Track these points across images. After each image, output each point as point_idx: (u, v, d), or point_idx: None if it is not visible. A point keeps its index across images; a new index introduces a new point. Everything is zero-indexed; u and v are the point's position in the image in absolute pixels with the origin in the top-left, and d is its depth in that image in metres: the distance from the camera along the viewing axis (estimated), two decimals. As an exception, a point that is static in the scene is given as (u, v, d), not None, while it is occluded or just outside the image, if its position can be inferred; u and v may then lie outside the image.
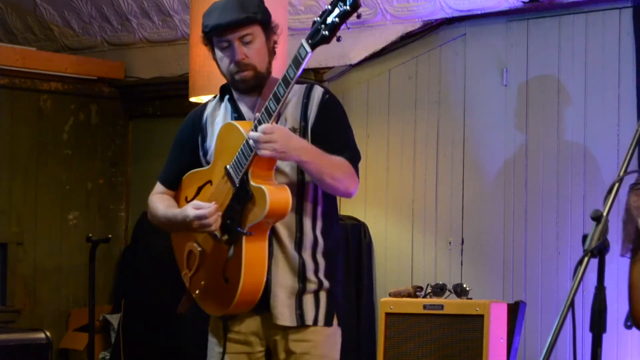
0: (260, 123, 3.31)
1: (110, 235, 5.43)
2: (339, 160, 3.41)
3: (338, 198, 3.63)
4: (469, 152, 5.72)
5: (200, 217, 3.40)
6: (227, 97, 3.60)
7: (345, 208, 6.03)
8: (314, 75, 6.13)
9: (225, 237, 3.42)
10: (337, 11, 3.15)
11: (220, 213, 3.42)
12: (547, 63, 5.49)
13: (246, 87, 3.50)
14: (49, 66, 6.85)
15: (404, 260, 5.88)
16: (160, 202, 3.66)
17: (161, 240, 6.14)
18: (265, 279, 3.41)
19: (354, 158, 3.47)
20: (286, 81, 3.26)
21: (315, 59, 6.08)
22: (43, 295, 6.86)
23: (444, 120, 5.82)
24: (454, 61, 5.79)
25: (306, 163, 3.35)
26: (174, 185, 3.69)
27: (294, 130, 3.44)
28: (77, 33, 7.25)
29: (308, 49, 3.20)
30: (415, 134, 5.90)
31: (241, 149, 3.35)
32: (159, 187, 3.73)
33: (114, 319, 6.61)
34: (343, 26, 3.17)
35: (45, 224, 6.87)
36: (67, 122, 7.00)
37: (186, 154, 3.65)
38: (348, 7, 3.13)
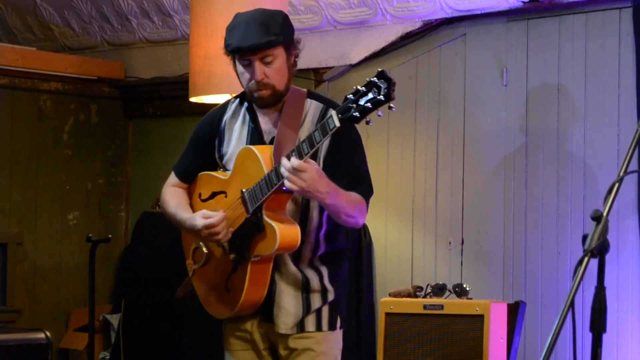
0: (295, 154, 3.36)
1: (110, 235, 5.44)
2: (355, 199, 3.50)
3: None
4: (469, 152, 5.72)
5: (208, 227, 3.50)
6: (246, 104, 3.65)
7: (345, 208, 6.03)
8: (314, 75, 6.14)
9: (233, 255, 3.52)
10: (370, 96, 3.20)
11: (230, 229, 3.51)
12: (547, 63, 5.49)
13: (264, 104, 3.57)
14: (49, 66, 6.85)
15: (404, 260, 5.88)
16: (172, 197, 3.76)
17: (161, 240, 6.16)
18: (265, 294, 3.52)
19: (367, 193, 3.56)
20: (310, 143, 3.30)
21: (315, 58, 6.12)
22: (43, 295, 6.86)
23: (444, 120, 5.82)
24: (454, 61, 5.79)
25: (327, 205, 3.43)
26: (187, 179, 3.78)
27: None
28: (77, 33, 7.25)
29: (337, 123, 3.23)
30: (415, 134, 5.90)
31: (260, 182, 3.42)
32: (173, 178, 3.83)
33: (114, 319, 6.61)
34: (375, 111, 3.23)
35: (45, 224, 6.87)
36: (67, 122, 7.00)
37: (202, 152, 3.74)
38: (382, 97, 3.20)
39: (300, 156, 3.32)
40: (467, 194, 5.72)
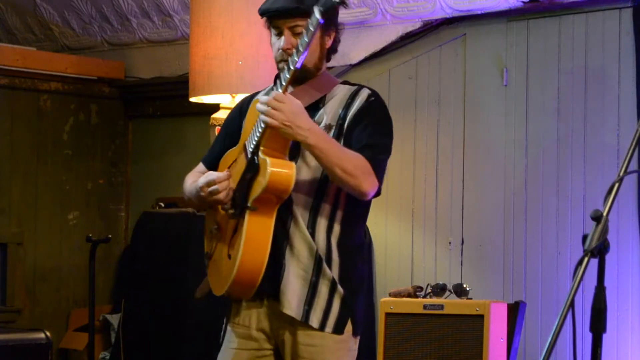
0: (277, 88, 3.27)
1: (110, 235, 5.44)
2: (353, 155, 3.29)
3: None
4: (469, 152, 5.72)
5: (209, 183, 3.34)
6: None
7: (345, 208, 6.03)
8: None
9: (232, 210, 3.34)
10: None
11: (232, 186, 3.34)
12: (547, 63, 5.49)
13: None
14: (49, 66, 6.85)
15: (404, 260, 5.88)
16: (190, 178, 3.59)
17: (161, 240, 6.16)
18: (266, 258, 3.28)
19: (375, 156, 3.32)
20: (297, 49, 3.19)
21: (315, 59, 6.12)
22: (43, 295, 6.86)
23: (444, 120, 5.82)
24: (454, 61, 5.79)
25: (312, 147, 3.24)
26: (213, 166, 3.59)
27: (329, 127, 3.36)
28: (77, 33, 7.25)
29: (319, 15, 3.11)
30: (415, 134, 5.90)
31: (257, 122, 3.29)
32: (199, 166, 3.67)
33: (114, 319, 6.61)
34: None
35: (45, 224, 6.87)
36: (67, 122, 7.00)
37: (229, 137, 3.57)
38: None
39: (288, 66, 3.20)
40: (467, 194, 5.72)
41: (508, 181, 5.59)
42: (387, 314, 4.91)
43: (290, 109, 3.19)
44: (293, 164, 3.27)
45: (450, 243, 5.75)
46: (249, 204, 3.27)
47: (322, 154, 3.24)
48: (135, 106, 7.20)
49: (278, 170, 3.23)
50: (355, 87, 3.45)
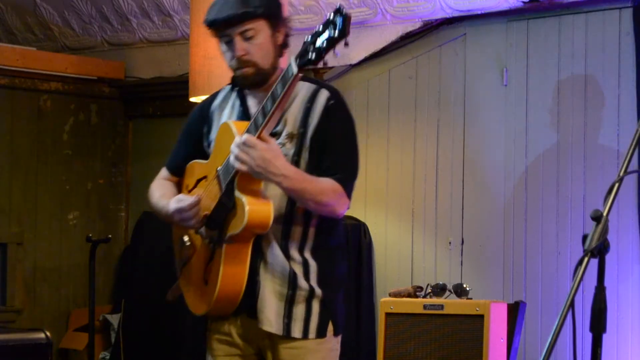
0: (251, 129, 3.19)
1: (110, 235, 5.43)
2: (325, 185, 3.25)
3: None
4: (469, 152, 5.72)
5: (180, 210, 3.32)
6: (237, 89, 3.47)
7: (345, 208, 6.03)
8: (314, 75, 6.13)
9: (207, 240, 3.33)
10: (326, 34, 3.01)
11: (205, 212, 3.31)
12: (547, 63, 5.49)
13: (248, 83, 3.37)
14: (49, 66, 6.85)
15: (404, 260, 5.88)
16: (157, 189, 3.57)
17: (161, 240, 6.15)
18: (243, 287, 3.28)
19: (346, 179, 3.30)
20: (274, 97, 3.13)
21: (315, 59, 6.12)
22: (43, 295, 6.86)
23: (444, 120, 5.82)
24: (454, 61, 5.79)
25: (287, 190, 3.22)
26: (178, 172, 3.59)
27: (291, 135, 3.31)
28: (77, 33, 7.25)
29: (295, 69, 3.06)
30: (415, 134, 5.90)
31: (230, 157, 3.23)
32: (163, 172, 3.64)
33: (114, 319, 6.61)
34: (332, 51, 3.06)
35: (45, 224, 6.87)
36: (67, 122, 7.00)
37: (192, 142, 3.54)
38: (336, 34, 2.99)
39: (263, 115, 3.13)
40: (467, 194, 5.72)
41: (508, 181, 5.59)
42: (387, 314, 4.90)
43: (262, 155, 3.13)
44: (270, 201, 3.23)
45: (450, 243, 5.75)
46: (225, 239, 3.25)
47: (296, 194, 3.23)
48: (135, 106, 7.20)
49: (256, 211, 3.20)
50: (314, 87, 3.38)
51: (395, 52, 5.98)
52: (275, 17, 3.33)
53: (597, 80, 5.35)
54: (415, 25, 5.85)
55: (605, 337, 2.38)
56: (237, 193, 3.22)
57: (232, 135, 3.25)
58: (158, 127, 7.07)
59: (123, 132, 7.24)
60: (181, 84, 6.14)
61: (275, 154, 3.17)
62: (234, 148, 3.16)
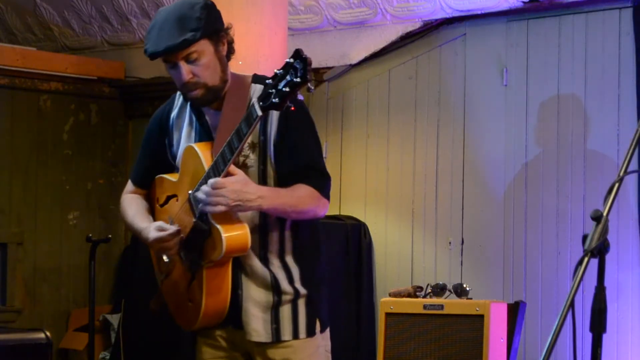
0: (215, 170, 3.15)
1: (110, 235, 5.43)
2: (302, 193, 3.23)
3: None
4: (469, 152, 5.72)
5: (160, 240, 3.30)
6: (189, 102, 3.40)
7: (345, 208, 6.03)
8: (314, 75, 6.13)
9: (187, 264, 3.31)
10: (287, 79, 2.95)
11: (182, 237, 3.29)
12: (547, 63, 5.49)
13: (201, 103, 3.30)
14: (49, 66, 6.85)
15: (404, 260, 5.88)
16: (129, 206, 3.53)
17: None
18: (228, 301, 3.27)
19: (320, 181, 3.27)
20: (239, 136, 3.09)
21: (315, 59, 6.10)
22: (43, 295, 6.86)
23: (444, 120, 5.82)
24: (454, 61, 5.79)
25: (267, 211, 3.21)
26: (144, 185, 3.55)
27: (253, 145, 3.27)
28: (77, 33, 7.25)
29: (259, 112, 3.01)
30: (415, 134, 5.90)
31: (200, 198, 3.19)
32: (129, 185, 3.59)
33: (114, 319, 6.61)
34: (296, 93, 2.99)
35: (45, 224, 6.87)
36: (67, 122, 7.00)
37: (154, 154, 3.49)
38: (298, 79, 2.92)
39: (230, 151, 3.09)
40: (467, 194, 5.72)
41: (508, 181, 5.59)
42: (387, 314, 4.91)
43: (233, 189, 3.11)
44: (245, 225, 3.20)
45: (450, 243, 5.75)
46: (203, 263, 3.24)
47: (277, 211, 3.22)
48: (135, 106, 7.20)
49: (233, 237, 3.17)
50: None
51: (395, 52, 5.98)
52: (215, 33, 3.25)
53: (597, 80, 5.35)
54: (415, 25, 5.85)
55: (605, 337, 2.38)
56: (212, 221, 3.19)
57: (199, 161, 3.23)
58: (158, 127, 7.07)
59: (123, 132, 7.24)
60: (181, 84, 6.14)
61: (245, 182, 3.15)
62: (202, 197, 3.12)
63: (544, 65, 5.50)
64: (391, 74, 6.01)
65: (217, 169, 3.16)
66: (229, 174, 3.15)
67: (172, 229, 3.29)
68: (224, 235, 3.15)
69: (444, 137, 5.81)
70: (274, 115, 3.26)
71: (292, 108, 3.03)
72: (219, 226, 3.16)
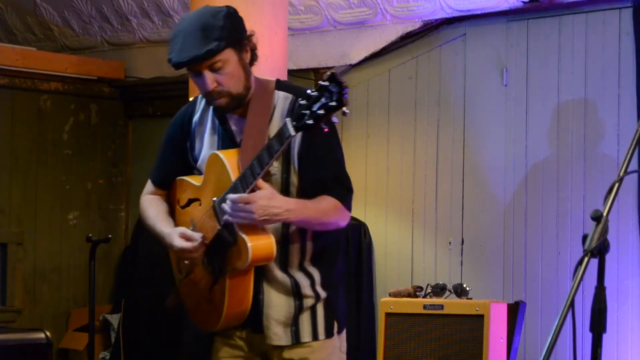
0: (243, 184, 3.16)
1: (110, 235, 5.43)
2: (327, 205, 3.27)
3: None
4: (469, 152, 5.72)
5: (184, 251, 3.32)
6: (212, 107, 3.41)
7: (345, 208, 6.03)
8: (314, 75, 6.13)
9: (210, 268, 3.33)
10: (323, 101, 2.97)
11: (205, 244, 3.30)
12: (547, 63, 5.49)
13: (225, 111, 3.32)
14: (49, 66, 6.85)
15: (404, 260, 5.88)
16: (150, 207, 3.57)
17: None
18: (249, 306, 3.29)
19: (344, 194, 3.31)
20: (270, 153, 3.11)
21: (315, 59, 6.12)
22: (43, 295, 6.86)
23: (444, 120, 5.82)
24: (454, 61, 5.79)
25: (294, 223, 3.24)
26: (164, 185, 3.57)
27: None
28: (77, 33, 7.25)
29: (292, 131, 3.03)
30: (415, 134, 5.90)
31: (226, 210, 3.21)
32: (149, 186, 3.64)
33: (114, 319, 6.61)
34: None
35: (45, 224, 6.87)
36: (67, 122, 7.00)
37: (176, 155, 3.51)
38: (334, 104, 2.94)
39: (260, 166, 3.11)
40: (467, 194, 5.72)
41: (508, 181, 5.59)
42: (387, 314, 4.91)
43: (261, 204, 3.12)
44: (270, 234, 3.21)
45: (450, 243, 5.75)
46: (227, 271, 3.26)
47: (303, 223, 3.25)
48: (135, 106, 7.20)
49: (259, 247, 3.19)
50: (291, 98, 3.33)
51: (395, 52, 5.98)
52: (239, 42, 3.27)
53: (597, 80, 5.35)
54: (415, 25, 5.85)
55: (605, 337, 2.38)
56: (237, 231, 3.20)
57: (225, 170, 3.24)
58: (158, 127, 7.04)
59: (123, 132, 7.24)
60: (181, 84, 6.14)
61: (272, 196, 3.16)
62: (228, 210, 3.14)
63: (544, 65, 5.50)
64: (391, 74, 6.01)
65: (246, 182, 3.17)
66: (256, 188, 3.16)
67: (196, 237, 3.30)
68: (249, 244, 3.17)
69: (444, 137, 5.81)
70: None
71: (326, 130, 3.04)
72: (244, 236, 3.18)
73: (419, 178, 5.88)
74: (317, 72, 6.11)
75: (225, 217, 3.17)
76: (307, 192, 3.29)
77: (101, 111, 7.14)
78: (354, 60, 6.05)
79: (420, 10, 5.79)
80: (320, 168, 3.30)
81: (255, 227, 3.19)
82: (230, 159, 3.26)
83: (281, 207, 3.17)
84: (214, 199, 3.27)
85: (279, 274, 3.32)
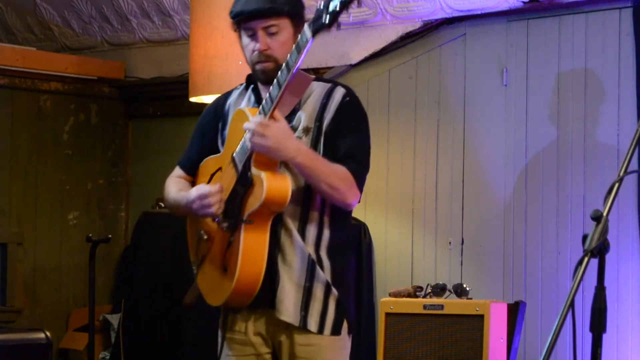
0: (263, 110, 3.25)
1: (110, 235, 5.43)
2: (338, 169, 3.32)
3: None
4: (469, 152, 5.72)
5: (201, 197, 3.35)
6: (252, 86, 3.51)
7: (345, 208, 6.02)
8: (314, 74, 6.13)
9: (226, 223, 3.35)
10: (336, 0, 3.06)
11: (223, 198, 3.35)
12: (547, 63, 5.49)
13: (266, 78, 3.38)
14: (49, 66, 6.85)
15: (404, 260, 5.88)
16: (173, 185, 3.61)
17: (161, 240, 6.16)
18: (264, 269, 3.30)
19: (358, 170, 3.37)
20: (288, 67, 3.19)
21: (315, 58, 6.12)
22: (43, 295, 6.86)
23: (444, 120, 5.82)
24: (454, 61, 5.79)
25: (300, 166, 3.27)
26: (192, 171, 3.62)
27: (307, 129, 3.37)
28: (77, 33, 7.25)
29: (309, 34, 3.12)
30: (415, 134, 5.90)
31: (245, 136, 3.29)
32: (177, 171, 3.67)
33: (114, 319, 6.61)
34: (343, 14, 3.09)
35: (45, 224, 6.87)
36: (67, 122, 7.00)
37: (206, 140, 3.58)
38: None
39: (279, 84, 3.20)
40: (467, 194, 5.72)
41: (508, 181, 5.59)
42: (387, 314, 4.91)
43: (276, 133, 3.21)
44: (287, 176, 3.29)
45: (450, 243, 5.75)
46: (244, 218, 3.28)
47: (310, 171, 3.29)
48: (135, 106, 7.20)
49: (274, 184, 3.25)
50: (329, 85, 3.46)
51: (395, 52, 5.98)
52: (299, 17, 3.39)
53: (597, 80, 5.35)
54: (415, 25, 5.85)
55: (605, 337, 2.38)
56: (254, 171, 3.27)
57: (245, 118, 3.31)
58: (158, 127, 7.07)
59: (123, 132, 7.24)
60: (181, 84, 6.15)
61: (287, 131, 3.25)
62: (248, 126, 3.22)
63: (544, 65, 5.50)
64: (391, 74, 6.01)
65: (267, 105, 3.25)
66: (274, 118, 3.25)
67: (214, 186, 3.35)
68: (265, 181, 3.22)
69: (444, 137, 5.81)
70: (332, 105, 3.38)
71: (339, 28, 3.10)
72: (261, 174, 3.24)
73: (419, 178, 5.88)
74: (317, 72, 6.10)
75: (246, 135, 3.23)
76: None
77: (101, 111, 7.14)
78: (354, 60, 6.05)
79: (420, 10, 5.79)
80: (342, 142, 3.36)
81: (273, 169, 3.26)
82: (254, 112, 3.33)
83: (293, 143, 3.25)
84: (233, 154, 3.34)
85: (298, 241, 3.35)
